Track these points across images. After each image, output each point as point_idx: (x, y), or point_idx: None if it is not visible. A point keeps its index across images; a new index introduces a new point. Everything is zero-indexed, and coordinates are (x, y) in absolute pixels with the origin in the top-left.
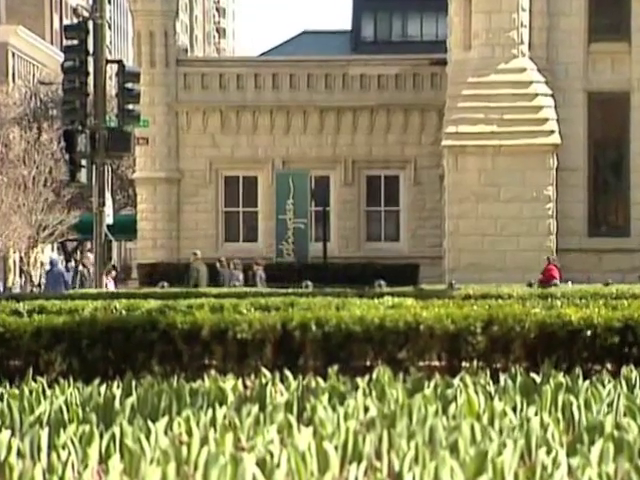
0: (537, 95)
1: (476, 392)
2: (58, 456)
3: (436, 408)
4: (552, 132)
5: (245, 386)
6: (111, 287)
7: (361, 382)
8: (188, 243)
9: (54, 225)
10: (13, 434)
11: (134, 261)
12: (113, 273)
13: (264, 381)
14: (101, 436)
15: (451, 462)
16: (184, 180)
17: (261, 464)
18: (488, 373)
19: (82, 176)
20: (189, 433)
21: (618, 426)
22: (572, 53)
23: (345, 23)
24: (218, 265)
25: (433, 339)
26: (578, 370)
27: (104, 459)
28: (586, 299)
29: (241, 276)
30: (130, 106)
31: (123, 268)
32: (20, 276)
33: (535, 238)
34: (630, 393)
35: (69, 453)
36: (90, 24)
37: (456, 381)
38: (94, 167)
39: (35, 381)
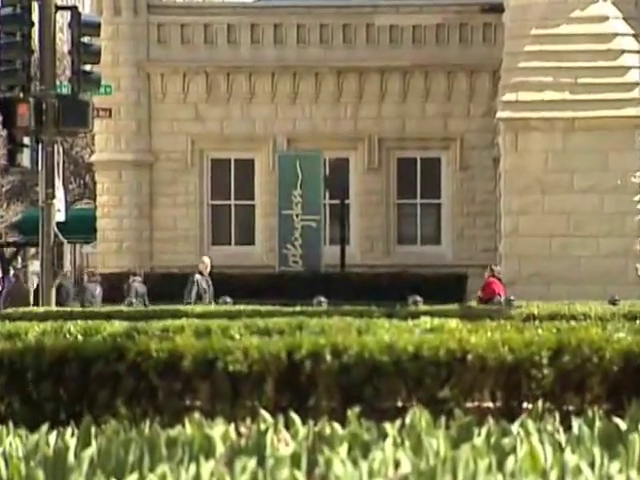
0: (623, 52)
1: (541, 442)
2: None
3: (489, 463)
4: None
5: (239, 433)
6: (98, 297)
7: (390, 428)
8: (163, 247)
9: None
10: None
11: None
12: (98, 277)
13: (263, 427)
14: None
15: None
16: (158, 164)
17: None
18: (557, 417)
19: (24, 159)
20: None
21: None
22: None
23: None
24: (86, 279)
25: (485, 373)
26: None
27: None
28: None
29: (98, 291)
30: (88, 67)
31: (78, 279)
32: None
33: (620, 240)
34: None
35: None
36: None
37: (515, 427)
38: (40, 147)
39: None
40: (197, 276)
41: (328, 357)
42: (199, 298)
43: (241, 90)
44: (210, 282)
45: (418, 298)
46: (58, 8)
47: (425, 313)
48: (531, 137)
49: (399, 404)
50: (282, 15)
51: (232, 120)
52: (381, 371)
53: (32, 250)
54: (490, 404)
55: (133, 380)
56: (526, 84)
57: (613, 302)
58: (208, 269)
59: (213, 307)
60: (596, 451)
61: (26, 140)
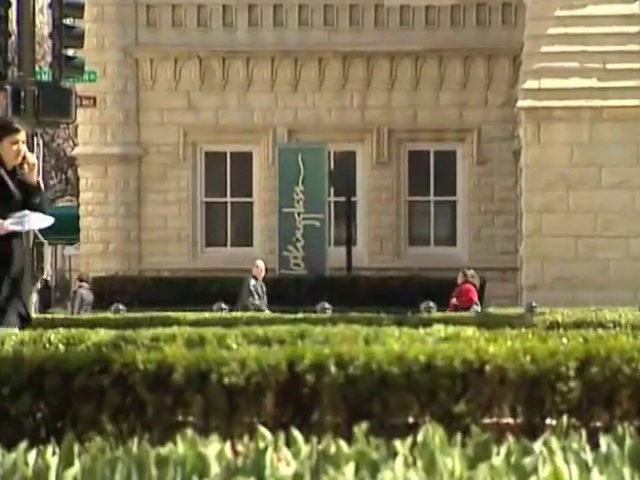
0: None
1: (566, 461)
2: None
3: None
4: None
5: (235, 452)
6: (87, 298)
7: (401, 446)
8: (153, 248)
9: None
10: None
11: (76, 274)
12: (89, 281)
13: (262, 445)
14: None
15: None
16: (147, 158)
17: None
18: (584, 434)
19: None
20: None
21: None
22: None
23: None
24: (78, 284)
25: (504, 386)
26: None
27: None
28: None
29: (90, 297)
30: (70, 52)
31: (59, 284)
32: None
33: None
34: None
35: None
36: None
37: (538, 446)
38: None
39: None
40: (252, 281)
41: (333, 368)
42: (253, 305)
43: (238, 77)
44: (264, 288)
45: (431, 304)
46: None
47: (439, 320)
48: (555, 128)
49: (410, 420)
50: None
51: (228, 110)
52: (390, 384)
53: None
54: (510, 420)
55: (119, 394)
56: (549, 70)
57: None
58: (263, 273)
59: (239, 314)
60: (626, 472)
61: None
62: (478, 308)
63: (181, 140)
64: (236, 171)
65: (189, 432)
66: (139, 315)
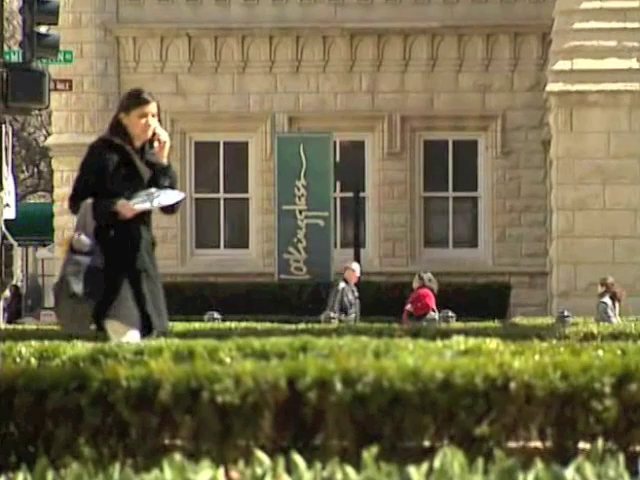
0: None
1: None
2: None
3: None
4: None
5: (229, 479)
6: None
7: (416, 473)
8: None
9: None
10: None
11: (49, 280)
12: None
13: (260, 471)
14: None
15: None
16: None
17: None
18: (621, 459)
19: None
20: None
21: None
22: None
23: None
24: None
25: (532, 405)
26: None
27: None
28: None
29: None
30: (43, 29)
31: (31, 291)
32: None
33: None
34: None
35: None
36: None
37: (569, 472)
38: None
39: None
40: (342, 284)
41: (338, 386)
42: (344, 311)
43: (232, 58)
44: (357, 293)
45: (450, 313)
46: None
47: (458, 331)
48: (589, 115)
49: (426, 443)
50: None
51: (221, 95)
52: (404, 403)
53: None
54: (538, 443)
55: (99, 414)
56: (583, 49)
57: None
58: (356, 277)
59: (232, 324)
60: None
61: None
62: (435, 316)
63: (168, 129)
64: (230, 164)
65: (177, 457)
66: None
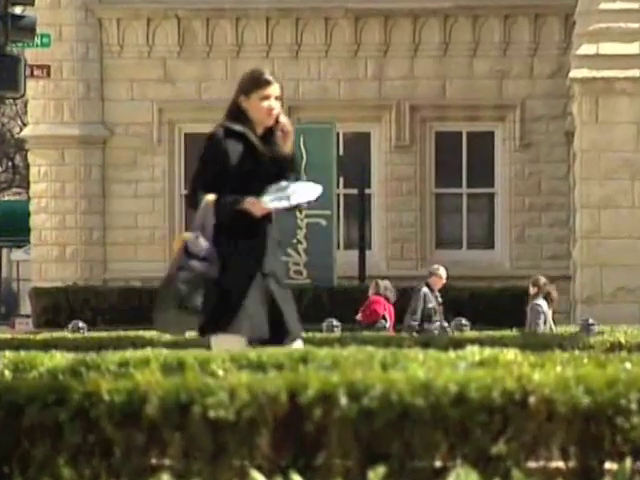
0: None
1: None
2: None
3: None
4: None
5: None
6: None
7: None
8: (121, 252)
9: None
10: None
11: (25, 284)
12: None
13: None
14: None
15: None
16: (114, 141)
17: None
18: None
19: None
20: None
21: None
22: None
23: None
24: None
25: (553, 422)
26: None
27: None
28: None
29: None
30: (18, 9)
31: (5, 296)
32: None
33: None
34: None
35: None
36: None
37: None
38: None
39: None
40: (424, 290)
41: (343, 400)
42: (427, 319)
43: (225, 41)
44: (440, 299)
45: (463, 321)
46: None
47: (472, 341)
48: (616, 104)
49: (437, 463)
50: None
51: (213, 82)
52: (413, 418)
53: None
54: (560, 463)
55: (80, 431)
56: (610, 32)
57: None
58: (441, 283)
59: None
60: None
61: None
62: (386, 324)
63: (155, 119)
64: None
65: (165, 477)
66: (104, 334)
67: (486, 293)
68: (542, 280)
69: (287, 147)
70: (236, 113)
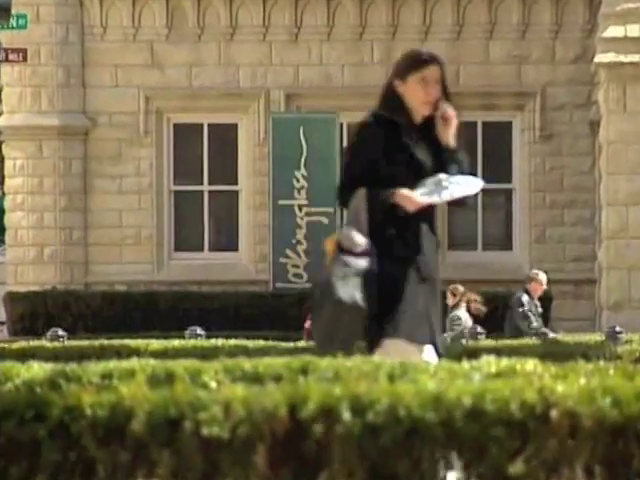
0: None
1: None
2: None
3: None
4: None
5: None
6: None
7: None
8: (104, 253)
9: None
10: None
11: (1, 288)
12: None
13: None
14: None
15: None
16: (96, 131)
17: None
18: None
19: None
20: None
21: None
22: None
23: None
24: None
25: (577, 438)
26: None
27: None
28: None
29: None
30: None
31: None
32: None
33: None
34: None
35: None
36: None
37: None
38: None
39: None
40: (524, 297)
41: (346, 414)
42: (532, 328)
43: (218, 23)
44: (539, 308)
45: (478, 329)
46: None
47: (489, 350)
48: None
49: None
50: None
51: (204, 67)
52: (423, 435)
53: None
54: None
55: (60, 448)
56: (638, 13)
57: None
58: (542, 289)
59: (177, 341)
60: None
61: None
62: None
63: (142, 108)
64: (216, 150)
65: None
66: (86, 343)
67: (503, 298)
68: (461, 288)
69: (447, 136)
70: (390, 99)
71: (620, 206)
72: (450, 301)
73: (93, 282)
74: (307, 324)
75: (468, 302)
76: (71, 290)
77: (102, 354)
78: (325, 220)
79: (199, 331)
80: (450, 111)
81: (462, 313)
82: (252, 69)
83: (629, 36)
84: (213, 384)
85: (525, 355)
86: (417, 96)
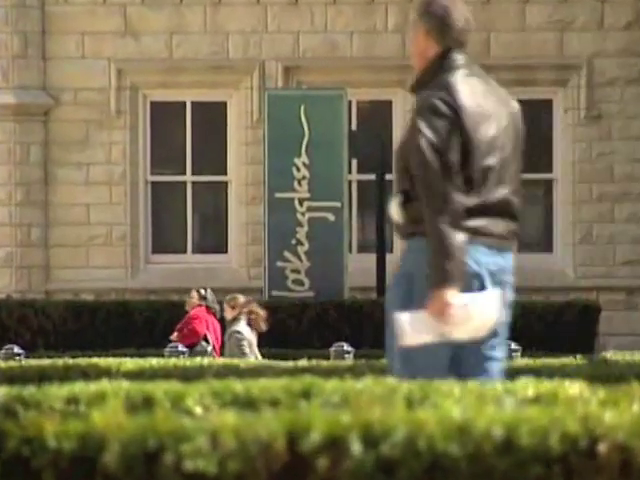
0: None
1: None
2: None
3: None
4: None
5: None
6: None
7: None
8: (68, 256)
9: None
10: None
11: None
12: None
13: None
14: None
15: None
16: (60, 112)
17: None
18: None
19: None
20: None
21: None
22: None
23: None
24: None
25: (629, 475)
26: None
27: None
28: None
29: None
30: None
31: None
32: None
33: None
34: None
35: None
36: None
37: None
38: None
39: None
40: None
41: (356, 446)
42: None
43: None
44: None
45: (513, 345)
46: None
47: (524, 370)
48: None
49: None
50: None
51: (187, 35)
52: (447, 471)
53: None
54: None
55: None
56: None
57: None
58: None
59: (155, 360)
60: None
61: None
62: (208, 348)
63: (113, 83)
64: (201, 133)
65: None
66: (47, 362)
67: (542, 309)
68: (241, 299)
69: None
70: None
71: None
72: (228, 314)
73: (55, 290)
74: (174, 336)
75: (248, 314)
76: (29, 300)
77: (66, 375)
78: (331, 216)
79: (180, 348)
80: None
81: (242, 327)
82: (244, 37)
83: None
84: (198, 410)
85: (569, 376)
86: None
